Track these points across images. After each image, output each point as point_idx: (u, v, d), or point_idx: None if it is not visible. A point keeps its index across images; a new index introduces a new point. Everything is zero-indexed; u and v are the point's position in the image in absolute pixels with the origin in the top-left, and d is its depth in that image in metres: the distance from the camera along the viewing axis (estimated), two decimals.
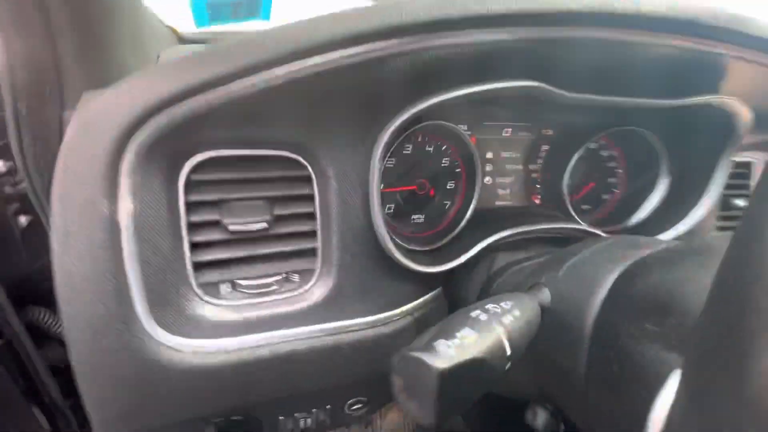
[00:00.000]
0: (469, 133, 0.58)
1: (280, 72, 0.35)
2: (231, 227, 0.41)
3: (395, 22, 0.36)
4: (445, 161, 0.56)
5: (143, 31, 0.57)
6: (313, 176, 0.43)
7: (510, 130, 0.60)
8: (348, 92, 0.39)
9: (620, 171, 0.65)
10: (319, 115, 0.40)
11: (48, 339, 0.57)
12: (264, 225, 0.42)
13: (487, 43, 0.38)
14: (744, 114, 0.52)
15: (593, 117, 0.59)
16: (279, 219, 0.43)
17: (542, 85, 0.44)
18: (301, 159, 0.42)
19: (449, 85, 0.41)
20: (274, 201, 0.43)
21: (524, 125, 0.61)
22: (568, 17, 0.39)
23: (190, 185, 0.40)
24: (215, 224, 0.42)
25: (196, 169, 0.40)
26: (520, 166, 0.62)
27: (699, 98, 0.50)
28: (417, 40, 0.37)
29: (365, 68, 0.37)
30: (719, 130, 0.55)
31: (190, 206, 0.40)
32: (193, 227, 0.40)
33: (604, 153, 0.64)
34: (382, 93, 0.40)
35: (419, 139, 0.54)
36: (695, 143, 0.57)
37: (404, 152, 0.54)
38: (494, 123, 0.60)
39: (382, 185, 0.52)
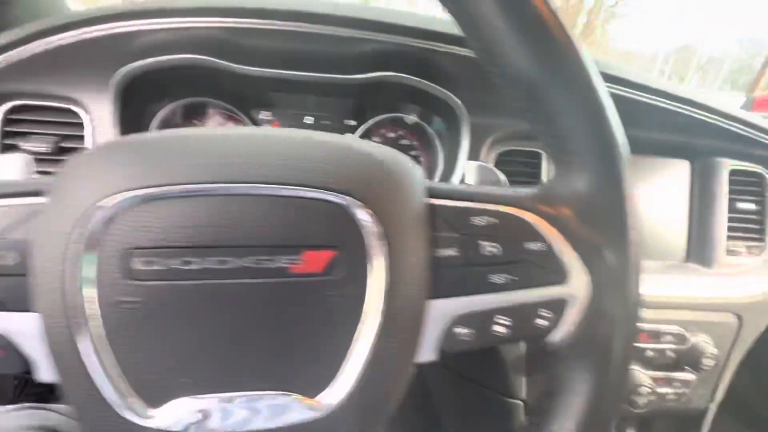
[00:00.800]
0: (272, 119, 0.70)
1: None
2: (25, 147, 0.59)
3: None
4: None
5: None
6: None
7: (312, 118, 0.68)
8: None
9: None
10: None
11: None
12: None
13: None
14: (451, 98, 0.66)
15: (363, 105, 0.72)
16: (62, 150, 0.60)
17: (210, 59, 0.58)
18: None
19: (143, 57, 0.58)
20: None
21: (326, 114, 0.72)
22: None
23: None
24: (14, 147, 0.59)
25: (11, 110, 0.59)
26: None
27: (375, 74, 0.63)
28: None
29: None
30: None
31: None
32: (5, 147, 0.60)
33: (405, 142, 0.76)
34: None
35: (209, 116, 0.70)
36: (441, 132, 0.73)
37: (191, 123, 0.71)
38: (297, 111, 0.71)
39: None
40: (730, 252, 0.79)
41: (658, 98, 0.72)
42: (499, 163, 0.75)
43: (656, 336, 0.74)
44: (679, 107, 0.73)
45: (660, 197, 0.80)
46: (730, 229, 0.79)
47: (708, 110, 0.74)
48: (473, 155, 0.71)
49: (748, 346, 0.79)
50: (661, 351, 0.75)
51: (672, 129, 0.76)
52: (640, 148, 0.80)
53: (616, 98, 0.30)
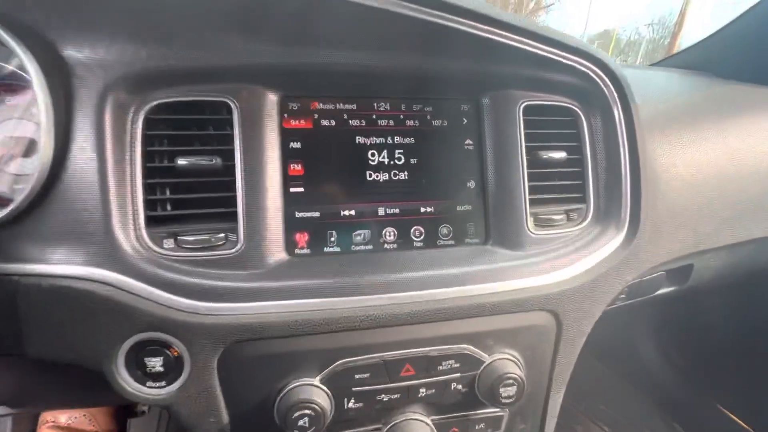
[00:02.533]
0: None
1: None
2: None
3: None
4: None
5: None
6: None
7: None
8: None
9: None
10: None
11: None
12: None
13: None
14: None
15: None
16: None
17: None
18: None
19: None
20: None
21: None
22: None
23: None
24: None
25: None
26: None
27: None
28: None
29: None
30: None
31: None
32: None
33: None
34: None
35: None
36: None
37: None
38: None
39: None
40: (541, 223, 0.56)
41: (438, 13, 0.46)
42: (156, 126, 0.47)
43: (427, 366, 0.49)
44: (462, 23, 0.48)
45: (445, 156, 0.56)
46: (535, 189, 0.56)
47: (498, 25, 0.49)
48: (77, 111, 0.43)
49: (570, 354, 0.56)
50: (443, 385, 0.50)
51: (456, 54, 0.52)
52: (418, 87, 0.55)
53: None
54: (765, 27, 1.13)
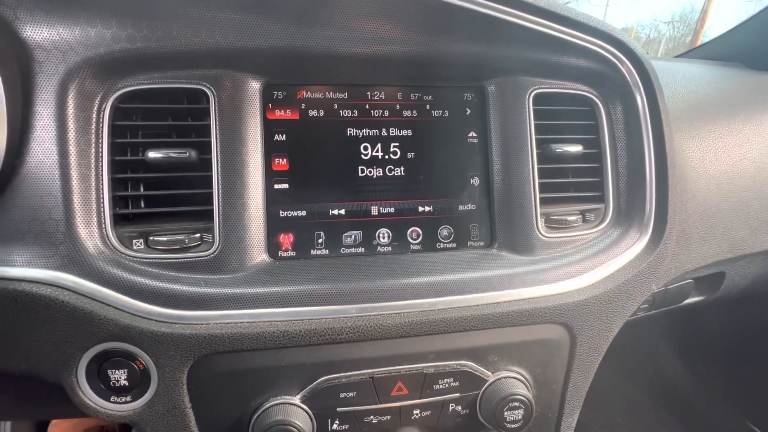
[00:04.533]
0: None
1: None
2: None
3: None
4: None
5: None
6: None
7: None
8: None
9: None
10: None
11: None
12: None
13: None
14: None
15: None
16: None
17: None
18: None
19: None
20: None
21: None
22: None
23: None
24: None
25: None
26: None
27: None
28: None
29: None
30: None
31: None
32: None
33: None
34: None
35: None
36: None
37: None
38: None
39: None
40: (554, 224, 0.50)
41: None
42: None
43: (422, 384, 0.44)
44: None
45: (446, 149, 0.50)
46: (546, 187, 0.50)
47: (506, 1, 0.44)
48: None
49: (585, 373, 0.50)
50: (439, 406, 0.44)
51: (459, 35, 0.46)
52: (416, 73, 0.50)
53: None
54: None
